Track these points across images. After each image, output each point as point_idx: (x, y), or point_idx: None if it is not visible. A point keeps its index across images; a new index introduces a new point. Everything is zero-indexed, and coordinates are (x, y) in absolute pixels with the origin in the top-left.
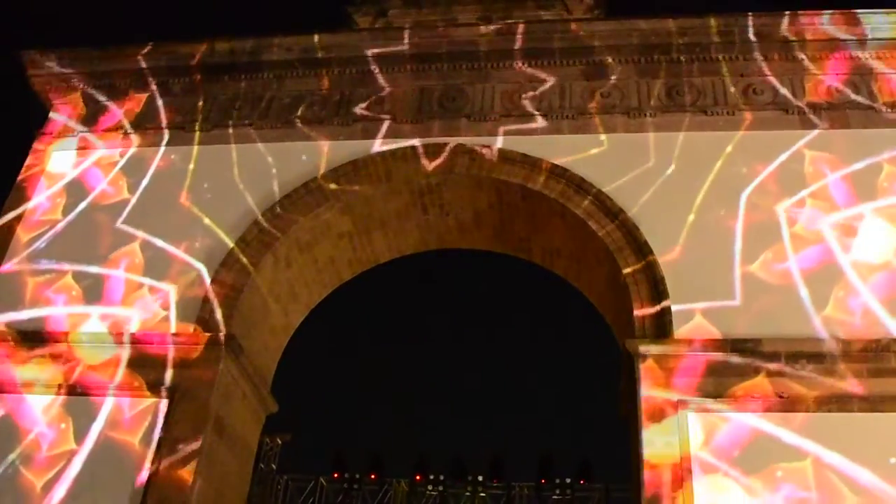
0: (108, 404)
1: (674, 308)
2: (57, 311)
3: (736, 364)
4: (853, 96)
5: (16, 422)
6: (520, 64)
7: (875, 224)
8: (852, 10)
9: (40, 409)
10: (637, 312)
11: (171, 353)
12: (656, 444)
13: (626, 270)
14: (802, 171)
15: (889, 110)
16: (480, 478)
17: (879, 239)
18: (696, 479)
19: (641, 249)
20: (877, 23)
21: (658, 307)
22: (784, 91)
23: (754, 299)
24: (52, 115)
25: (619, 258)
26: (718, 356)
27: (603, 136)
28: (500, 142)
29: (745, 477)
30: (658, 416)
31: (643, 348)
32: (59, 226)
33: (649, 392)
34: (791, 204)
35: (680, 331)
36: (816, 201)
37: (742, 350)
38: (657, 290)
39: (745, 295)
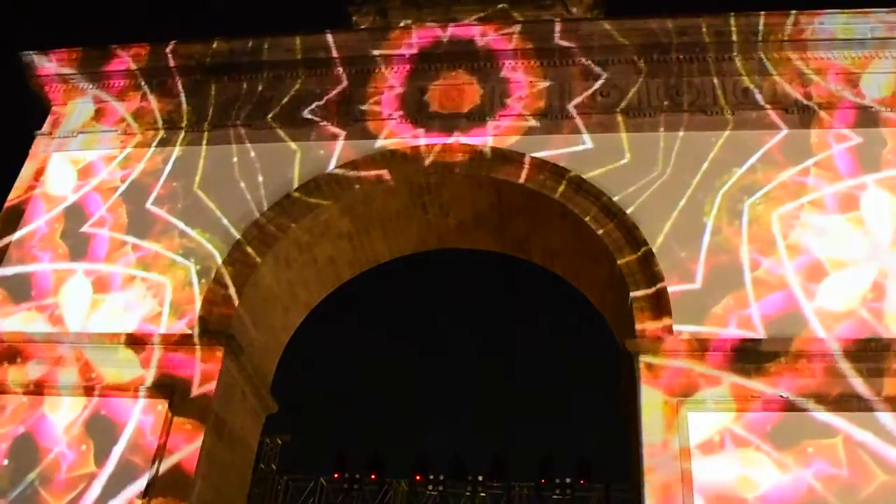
0: (105, 404)
1: (674, 308)
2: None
3: (736, 364)
4: (853, 95)
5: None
6: (519, 64)
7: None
8: (851, 10)
9: (40, 406)
10: (636, 312)
11: (170, 353)
12: (656, 443)
13: (626, 270)
14: (804, 169)
15: (888, 109)
16: (480, 478)
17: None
18: (699, 477)
19: (641, 249)
20: (877, 21)
21: (658, 307)
22: (784, 90)
23: (755, 301)
24: (51, 115)
25: (619, 258)
26: (718, 356)
27: (603, 136)
28: (500, 141)
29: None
30: (658, 415)
31: (643, 348)
32: (60, 228)
33: (649, 391)
34: (795, 206)
35: (680, 331)
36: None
37: (742, 350)
38: (657, 290)
39: (745, 296)
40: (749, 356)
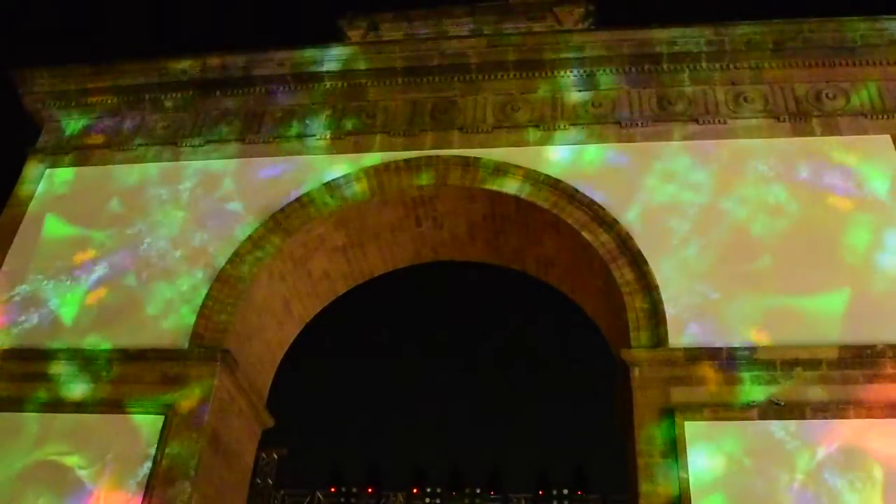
0: (101, 420)
1: (668, 317)
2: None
3: (730, 372)
4: (844, 104)
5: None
6: (511, 75)
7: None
8: (842, 18)
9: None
10: (632, 322)
11: (165, 368)
12: (652, 452)
13: (621, 280)
14: (797, 178)
15: (878, 116)
16: (478, 490)
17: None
18: (696, 486)
19: (635, 259)
20: (865, 30)
21: (653, 316)
22: (774, 99)
23: (749, 308)
24: (44, 132)
25: (613, 268)
26: (713, 364)
27: (595, 147)
28: (492, 153)
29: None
30: (654, 424)
31: (638, 357)
32: (54, 239)
33: (645, 400)
34: (787, 209)
35: (674, 339)
36: (815, 206)
37: (737, 358)
38: (652, 299)
39: (740, 304)
40: (745, 364)
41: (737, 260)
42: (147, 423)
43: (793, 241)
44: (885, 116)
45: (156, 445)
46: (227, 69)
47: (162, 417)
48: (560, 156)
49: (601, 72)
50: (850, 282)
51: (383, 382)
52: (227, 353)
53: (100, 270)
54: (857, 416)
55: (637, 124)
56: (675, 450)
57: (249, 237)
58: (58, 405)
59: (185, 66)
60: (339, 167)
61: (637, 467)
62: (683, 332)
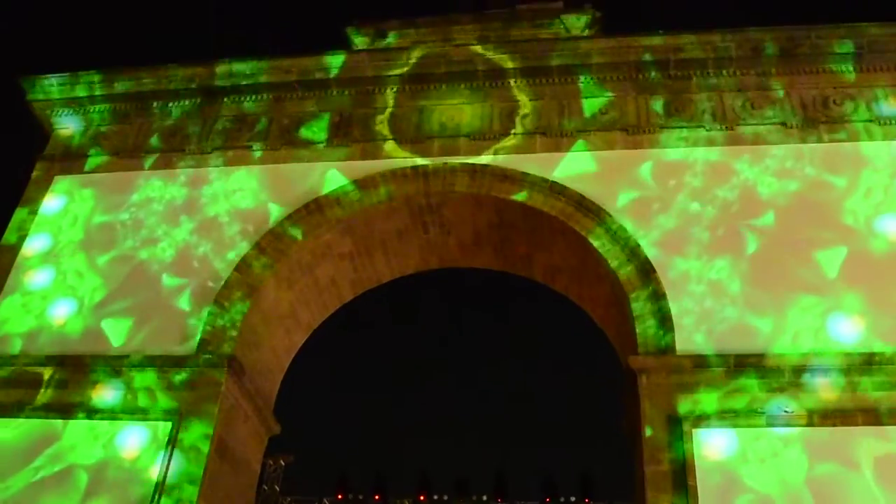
0: (109, 426)
1: (676, 324)
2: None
3: (739, 379)
4: (852, 110)
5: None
6: (518, 82)
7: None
8: (849, 24)
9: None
10: (639, 329)
11: (172, 375)
12: (660, 460)
13: (628, 287)
14: (804, 185)
15: (887, 123)
16: (485, 497)
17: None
18: (703, 494)
19: (643, 266)
20: (873, 36)
21: (660, 323)
22: (782, 105)
23: (757, 315)
24: (52, 139)
25: (621, 275)
26: (721, 371)
27: (602, 153)
28: (500, 160)
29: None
30: (661, 432)
31: (645, 364)
32: (62, 247)
33: (652, 408)
34: (794, 218)
35: (682, 347)
36: (821, 214)
37: (746, 365)
38: (659, 306)
39: (748, 311)
40: (753, 371)
41: (745, 267)
42: (154, 430)
43: (802, 247)
44: (894, 123)
45: (163, 452)
46: (235, 76)
47: (169, 423)
48: (567, 163)
49: (608, 79)
50: (862, 287)
51: (389, 388)
52: (234, 360)
53: (107, 276)
54: (866, 424)
55: (644, 131)
56: (682, 457)
57: (257, 244)
58: (62, 409)
59: (192, 72)
60: (346, 174)
61: (644, 475)
62: (691, 339)
